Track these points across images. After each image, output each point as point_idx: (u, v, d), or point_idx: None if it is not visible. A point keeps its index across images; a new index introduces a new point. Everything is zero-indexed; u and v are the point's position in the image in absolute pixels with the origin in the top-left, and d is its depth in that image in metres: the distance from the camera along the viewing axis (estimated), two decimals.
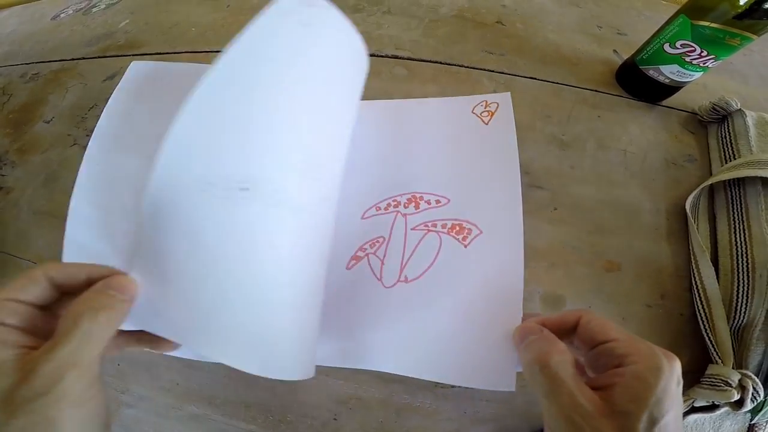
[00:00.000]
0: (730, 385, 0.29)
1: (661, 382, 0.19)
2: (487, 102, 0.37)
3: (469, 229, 0.31)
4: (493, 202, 0.32)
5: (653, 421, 0.19)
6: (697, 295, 0.33)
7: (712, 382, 0.30)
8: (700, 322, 0.32)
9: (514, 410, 0.32)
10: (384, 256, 0.32)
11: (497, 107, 0.36)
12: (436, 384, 0.32)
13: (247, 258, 0.24)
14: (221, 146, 0.23)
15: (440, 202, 0.33)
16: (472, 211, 0.32)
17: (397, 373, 0.29)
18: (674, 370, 0.20)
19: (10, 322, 0.19)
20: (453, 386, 0.32)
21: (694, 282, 0.33)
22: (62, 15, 0.53)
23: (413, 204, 0.33)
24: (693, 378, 0.32)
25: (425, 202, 0.33)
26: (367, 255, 0.32)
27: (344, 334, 0.31)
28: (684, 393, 0.31)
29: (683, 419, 0.32)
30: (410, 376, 0.29)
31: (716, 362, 0.31)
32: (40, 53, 0.49)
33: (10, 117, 0.44)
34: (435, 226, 0.32)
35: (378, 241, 0.33)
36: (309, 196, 0.26)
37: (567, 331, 0.24)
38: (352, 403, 0.32)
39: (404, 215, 0.33)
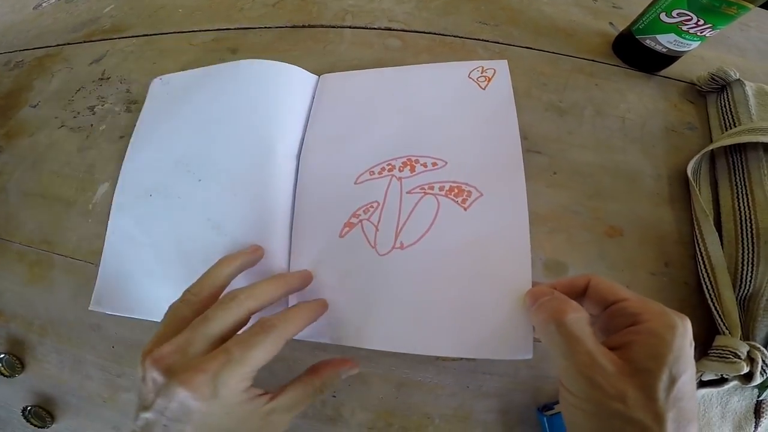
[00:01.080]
0: (739, 357, 0.28)
1: (677, 340, 0.19)
2: (483, 68, 0.36)
3: (469, 192, 0.30)
4: (493, 164, 0.31)
5: (673, 380, 0.19)
6: (701, 262, 0.32)
7: (721, 354, 0.29)
8: (706, 291, 0.31)
9: (518, 384, 0.31)
10: (378, 221, 0.31)
11: (494, 73, 0.35)
12: (437, 357, 0.31)
13: None
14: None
15: (437, 164, 0.32)
16: (470, 174, 0.31)
17: (401, 352, 0.28)
18: (687, 328, 0.20)
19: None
20: (455, 359, 0.31)
21: (698, 248, 0.33)
22: (44, 4, 0.52)
23: (408, 167, 0.32)
24: (700, 351, 0.31)
25: (421, 165, 0.32)
26: (360, 222, 0.31)
27: (339, 307, 0.30)
28: None
29: None
30: (416, 353, 0.28)
31: (723, 333, 0.30)
32: (23, 41, 0.48)
33: None
34: (432, 188, 0.31)
35: (372, 206, 0.31)
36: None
37: (576, 295, 0.24)
38: (351, 380, 0.31)
39: (399, 179, 0.32)
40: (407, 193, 0.31)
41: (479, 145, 0.32)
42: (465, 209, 0.30)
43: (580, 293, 0.24)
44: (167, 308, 0.26)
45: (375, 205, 0.31)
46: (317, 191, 0.33)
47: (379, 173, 0.33)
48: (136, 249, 0.34)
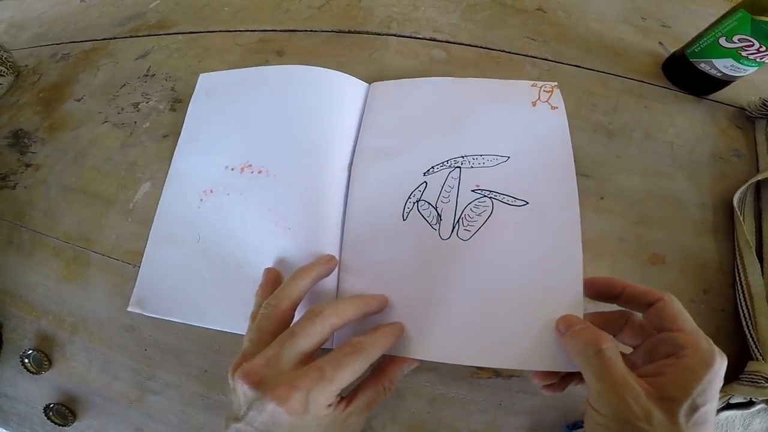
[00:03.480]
0: None
1: (708, 376, 0.21)
2: (538, 86, 0.36)
3: (524, 203, 0.31)
4: (548, 182, 0.31)
5: (695, 407, 0.21)
6: (740, 290, 0.32)
7: (752, 378, 0.30)
8: (743, 318, 0.31)
9: (550, 402, 0.31)
10: (439, 208, 0.32)
11: (550, 96, 0.35)
12: (472, 374, 0.31)
13: None
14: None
15: (497, 160, 0.33)
16: (528, 183, 0.32)
17: (452, 363, 0.28)
18: (723, 366, 0.22)
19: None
20: (489, 377, 0.31)
21: (738, 278, 0.33)
22: None
23: (468, 163, 0.33)
24: (731, 375, 0.31)
25: (481, 160, 0.33)
26: (417, 202, 0.32)
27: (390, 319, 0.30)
28: (721, 389, 0.31)
29: (717, 415, 0.31)
30: (466, 365, 0.29)
31: (757, 359, 0.30)
32: (70, 34, 0.48)
33: (41, 96, 0.44)
34: (490, 192, 0.32)
35: (432, 193, 0.32)
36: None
37: (642, 306, 0.25)
38: None
39: (459, 173, 0.33)
40: (471, 190, 0.32)
41: (534, 163, 0.32)
42: (518, 222, 0.30)
43: (646, 305, 0.25)
44: (249, 320, 0.27)
45: (435, 193, 0.32)
46: (368, 208, 0.33)
47: (441, 166, 0.33)
48: (183, 251, 0.34)
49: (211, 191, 0.35)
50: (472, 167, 0.33)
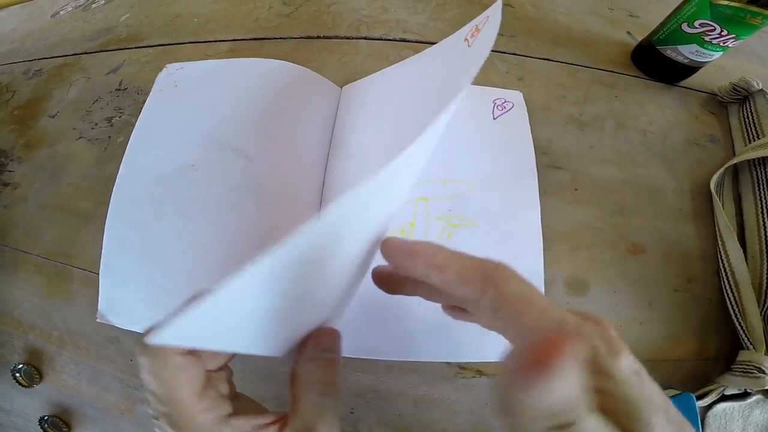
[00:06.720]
0: (764, 372, 0.28)
1: None
2: (504, 100, 0.36)
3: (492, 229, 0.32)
4: (511, 203, 0.32)
5: None
6: (725, 277, 0.32)
7: (745, 369, 0.29)
8: (729, 307, 0.31)
9: None
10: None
11: (512, 107, 0.35)
12: (456, 374, 0.31)
13: None
14: None
15: (461, 188, 0.33)
16: (492, 210, 0.32)
17: (417, 360, 0.30)
18: None
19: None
20: (473, 377, 0.31)
21: (721, 264, 0.32)
22: (62, 12, 0.52)
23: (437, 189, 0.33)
24: (723, 365, 0.31)
25: (450, 186, 0.33)
26: None
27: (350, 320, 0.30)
28: (714, 380, 0.30)
29: (713, 408, 0.31)
30: (432, 360, 0.30)
31: (747, 348, 0.30)
32: (41, 50, 0.48)
33: (15, 113, 0.44)
34: (459, 220, 0.32)
35: (404, 230, 0.32)
36: None
37: None
38: (369, 396, 0.31)
39: (426, 200, 0.32)
40: (435, 218, 0.32)
41: (498, 179, 0.33)
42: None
43: None
44: None
45: (406, 227, 0.32)
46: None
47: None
48: (135, 256, 0.32)
49: (153, 196, 0.33)
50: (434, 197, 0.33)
